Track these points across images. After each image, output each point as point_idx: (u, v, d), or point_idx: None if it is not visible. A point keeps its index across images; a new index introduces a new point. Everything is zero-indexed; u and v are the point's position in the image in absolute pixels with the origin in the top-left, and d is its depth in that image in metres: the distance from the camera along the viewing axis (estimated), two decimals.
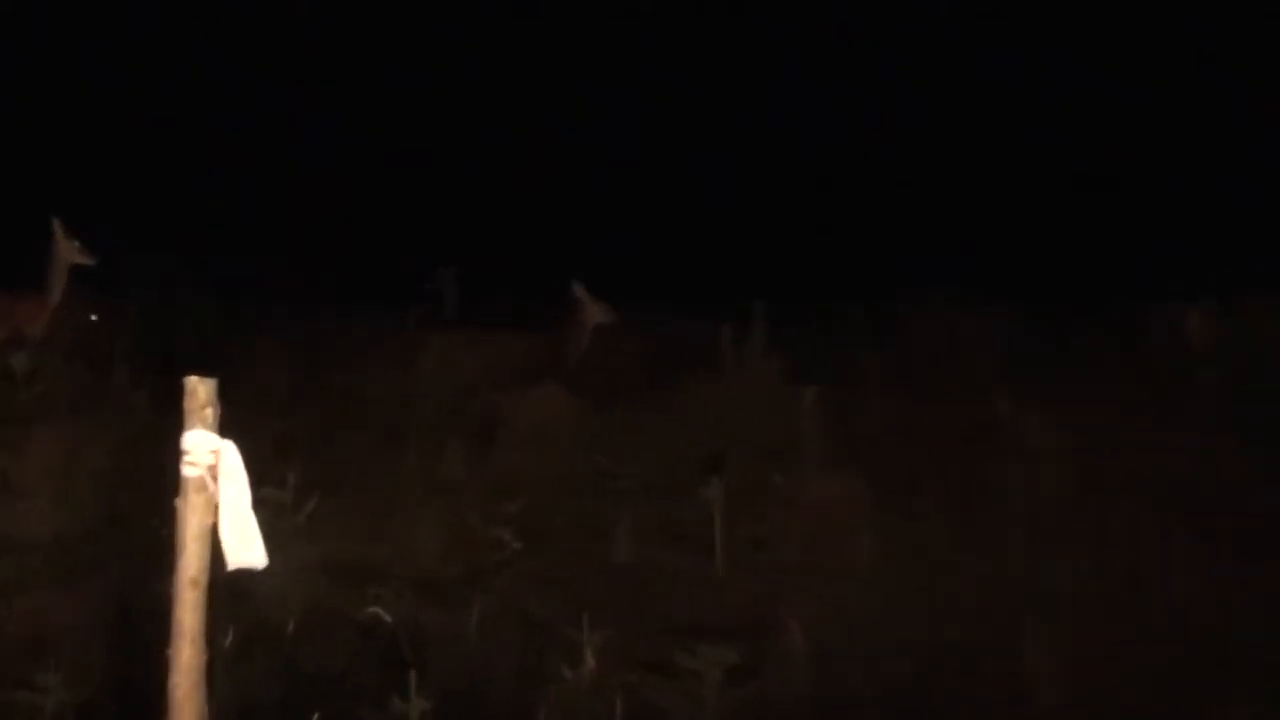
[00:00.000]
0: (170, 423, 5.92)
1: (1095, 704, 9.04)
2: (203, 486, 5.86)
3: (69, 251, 12.62)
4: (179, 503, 5.86)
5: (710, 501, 10.64)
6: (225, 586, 6.05)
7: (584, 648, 9.02)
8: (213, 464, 5.84)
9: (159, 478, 6.19)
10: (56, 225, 12.55)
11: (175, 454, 5.84)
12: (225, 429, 5.89)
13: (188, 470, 5.84)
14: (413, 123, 17.87)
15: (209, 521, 5.90)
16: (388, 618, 9.43)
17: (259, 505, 5.98)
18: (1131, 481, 11.15)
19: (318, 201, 16.46)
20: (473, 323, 13.73)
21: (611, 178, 17.15)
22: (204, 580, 5.90)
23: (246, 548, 5.95)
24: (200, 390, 5.84)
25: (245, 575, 6.04)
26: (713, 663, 8.92)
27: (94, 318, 13.38)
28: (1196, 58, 16.77)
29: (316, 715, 8.39)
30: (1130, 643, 9.55)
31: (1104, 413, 11.85)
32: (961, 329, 13.66)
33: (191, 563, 5.88)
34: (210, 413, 5.84)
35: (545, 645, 9.37)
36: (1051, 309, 13.83)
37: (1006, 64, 16.97)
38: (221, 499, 5.91)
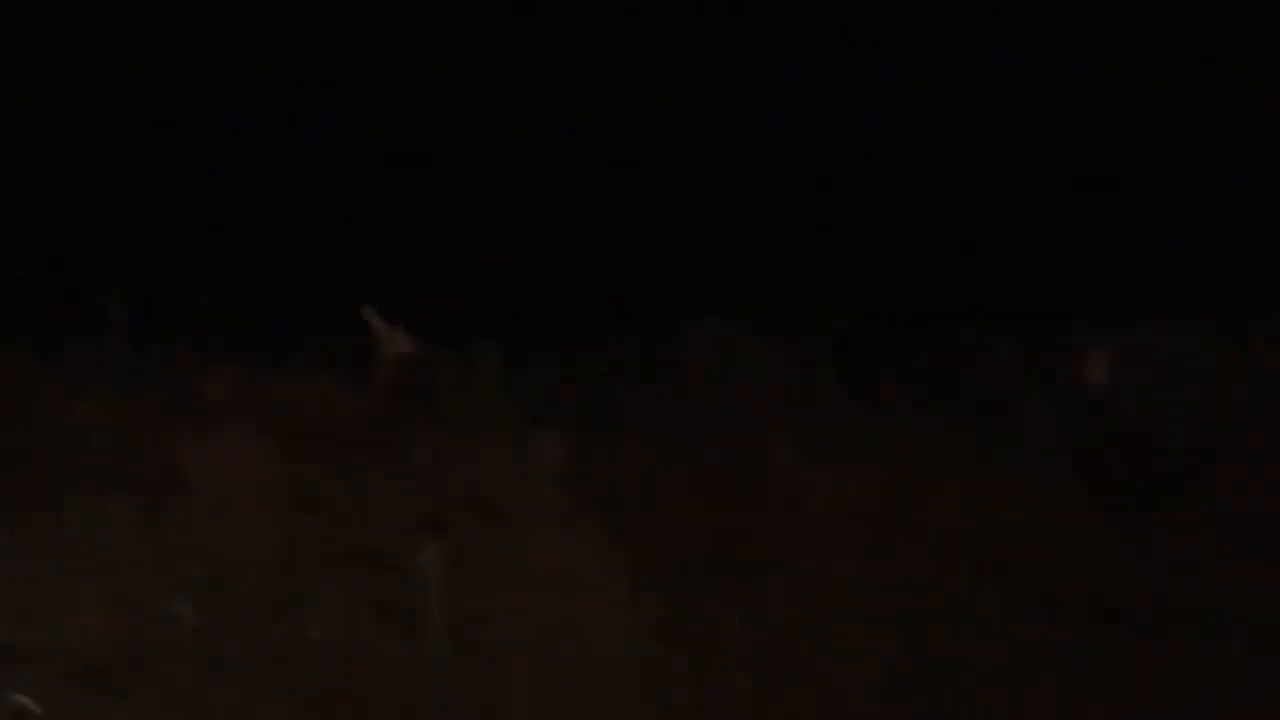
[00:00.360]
0: None
1: None
2: None
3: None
4: None
5: (427, 570, 9.88)
6: None
7: None
8: None
9: None
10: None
11: None
12: None
13: None
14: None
15: None
16: (36, 709, 8.73)
17: None
18: (940, 540, 10.68)
19: None
20: (149, 357, 13.17)
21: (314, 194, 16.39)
22: None
23: None
24: None
25: None
26: None
27: None
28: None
29: None
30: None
31: (907, 460, 11.51)
32: (736, 363, 13.20)
33: None
34: None
35: None
36: (845, 339, 13.53)
37: (755, 80, 16.85)
38: None
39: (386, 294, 14.37)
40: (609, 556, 10.01)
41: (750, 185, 16.45)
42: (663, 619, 9.77)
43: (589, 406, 12.32)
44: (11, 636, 9.43)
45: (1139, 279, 14.72)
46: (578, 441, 11.48)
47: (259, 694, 8.85)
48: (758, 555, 10.37)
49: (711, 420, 12.16)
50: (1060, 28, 17.12)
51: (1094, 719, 8.90)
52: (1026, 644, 9.58)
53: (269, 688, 8.94)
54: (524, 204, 16.35)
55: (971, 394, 12.65)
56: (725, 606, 9.95)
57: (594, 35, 17.60)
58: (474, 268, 15.22)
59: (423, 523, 10.52)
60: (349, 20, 17.44)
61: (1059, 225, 16.09)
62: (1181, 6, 16.55)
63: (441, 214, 16.32)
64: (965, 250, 15.47)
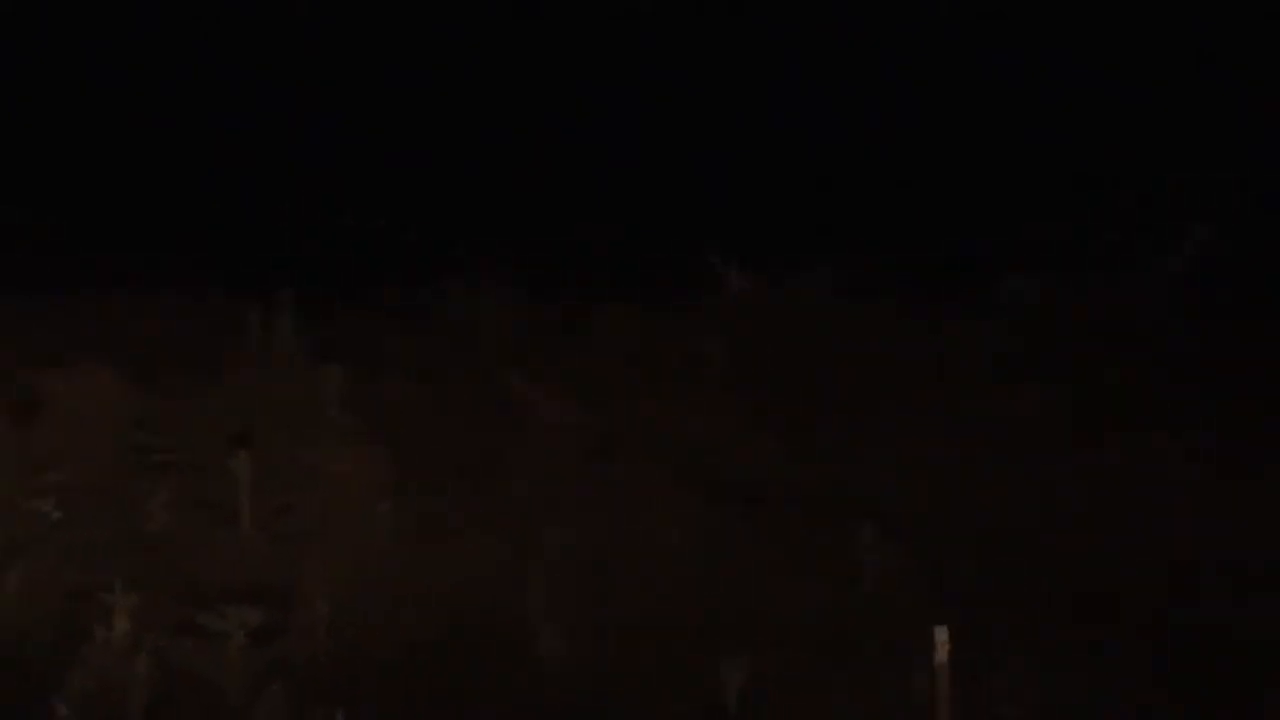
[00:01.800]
0: None
1: (598, 660, 9.92)
2: None
3: None
4: None
5: (238, 473, 11.27)
6: None
7: (116, 612, 9.49)
8: None
9: None
10: None
11: None
12: None
13: None
14: None
15: None
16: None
17: None
18: (639, 450, 12.27)
19: None
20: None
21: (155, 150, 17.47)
22: None
23: None
24: None
25: None
26: (238, 624, 9.54)
27: None
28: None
29: None
30: (635, 599, 10.56)
31: (614, 387, 13.01)
32: (480, 312, 14.60)
33: None
34: None
35: (80, 611, 9.81)
36: (560, 292, 14.86)
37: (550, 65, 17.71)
38: None
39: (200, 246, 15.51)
40: (380, 465, 11.64)
41: (504, 159, 17.48)
42: (421, 512, 11.48)
43: (366, 345, 13.76)
44: None
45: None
46: (356, 374, 12.93)
47: (111, 572, 9.95)
48: (496, 464, 12.12)
49: (462, 358, 13.77)
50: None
51: (741, 582, 10.60)
52: (703, 527, 11.42)
53: (117, 567, 10.14)
54: (317, 174, 17.42)
55: (667, 334, 14.36)
56: (470, 503, 11.70)
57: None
58: (279, 224, 16.48)
59: (234, 437, 11.85)
60: None
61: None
62: None
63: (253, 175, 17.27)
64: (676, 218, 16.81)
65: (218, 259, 15.41)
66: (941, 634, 8.47)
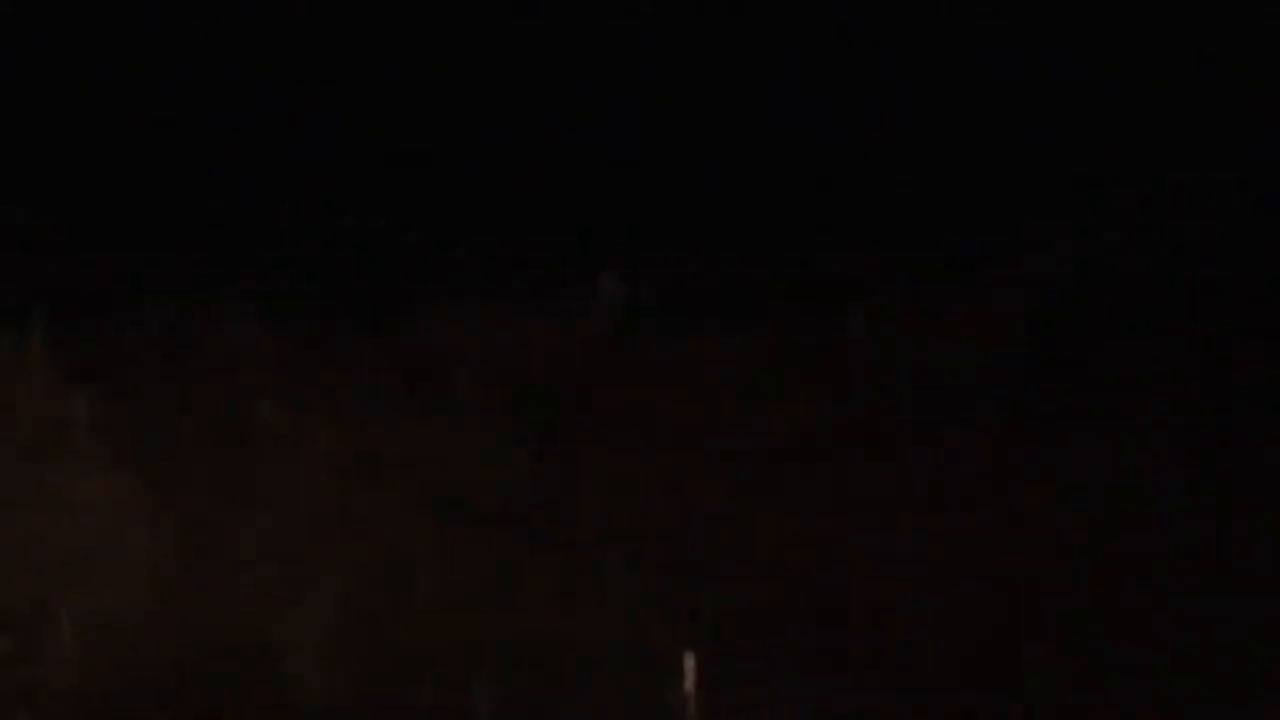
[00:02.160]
0: None
1: (353, 687, 10.21)
2: None
3: None
4: None
5: None
6: None
7: None
8: None
9: None
10: None
11: None
12: None
13: None
14: None
15: None
16: None
17: None
18: (394, 475, 12.45)
19: None
20: None
21: None
22: None
23: None
24: None
25: None
26: None
27: None
28: None
29: None
30: (389, 625, 10.84)
31: (370, 411, 13.17)
32: (236, 335, 14.51)
33: None
34: None
35: None
36: (316, 315, 14.77)
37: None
38: None
39: None
40: (136, 489, 11.67)
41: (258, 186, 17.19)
42: (177, 537, 11.51)
43: (122, 369, 13.65)
44: None
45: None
46: (109, 397, 12.89)
47: None
48: (251, 490, 12.15)
49: (217, 383, 13.69)
50: None
51: (495, 607, 10.77)
52: (457, 552, 11.50)
53: None
54: (71, 195, 17.02)
55: (422, 358, 14.13)
56: (226, 529, 11.74)
57: None
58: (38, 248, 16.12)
59: None
60: None
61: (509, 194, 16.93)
62: None
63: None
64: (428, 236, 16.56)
65: None
66: (690, 661, 8.66)
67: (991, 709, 10.04)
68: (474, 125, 17.77)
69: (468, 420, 13.39)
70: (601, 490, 12.55)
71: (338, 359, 14.05)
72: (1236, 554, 12.23)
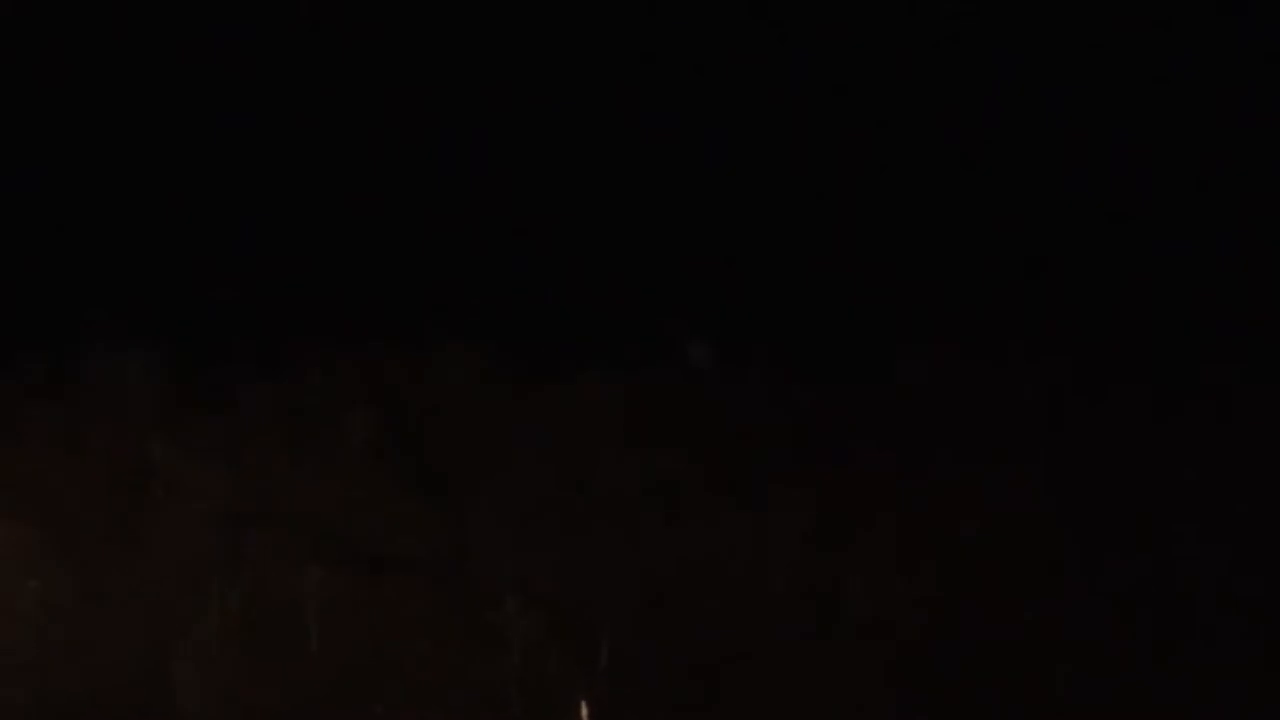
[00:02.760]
0: None
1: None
2: None
3: None
4: None
5: None
6: None
7: None
8: None
9: None
10: None
11: None
12: None
13: None
14: None
15: None
16: None
17: None
18: (274, 515, 12.51)
19: None
20: None
21: None
22: None
23: None
24: None
25: None
26: None
27: None
28: None
29: None
30: (274, 664, 10.77)
31: (256, 456, 12.84)
32: (123, 380, 14.26)
33: None
34: None
35: None
36: (203, 362, 14.57)
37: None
38: None
39: None
40: (27, 535, 11.48)
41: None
42: (74, 581, 11.42)
43: (5, 415, 13.45)
44: None
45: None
46: None
47: None
48: (142, 531, 12.12)
49: (105, 426, 13.52)
50: None
51: (385, 649, 10.79)
52: (346, 595, 11.48)
53: None
54: None
55: (309, 401, 14.01)
56: (113, 572, 11.74)
57: None
58: None
59: None
60: None
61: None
62: None
63: None
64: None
65: None
66: (584, 709, 8.80)
67: None
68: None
69: (361, 468, 13.42)
70: (493, 537, 12.57)
71: (227, 404, 14.05)
72: (1084, 602, 12.50)
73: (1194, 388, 17.26)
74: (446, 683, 10.32)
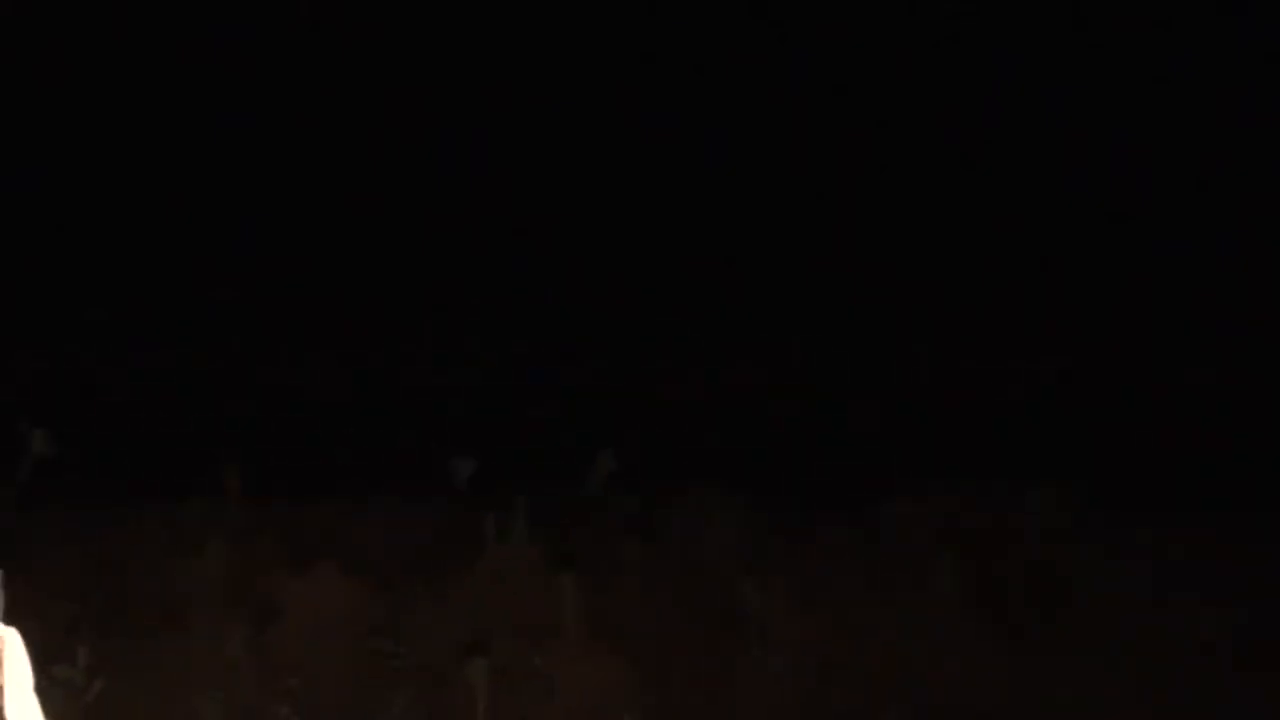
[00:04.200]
0: None
1: None
2: None
3: None
4: None
5: (474, 682, 11.51)
6: None
7: None
8: None
9: None
10: None
11: None
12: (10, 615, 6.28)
13: None
14: None
15: None
16: None
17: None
18: (869, 670, 12.37)
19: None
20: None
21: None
22: None
23: None
24: None
25: None
26: None
27: None
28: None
29: None
30: None
31: (844, 602, 13.04)
32: (712, 522, 14.41)
33: None
34: None
35: None
36: (792, 502, 14.73)
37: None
38: (6, 684, 6.35)
39: None
40: (617, 673, 11.93)
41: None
42: None
43: (600, 556, 13.75)
44: None
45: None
46: (592, 583, 13.02)
47: None
48: (729, 674, 12.08)
49: (694, 569, 13.80)
50: None
51: None
52: None
53: None
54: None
55: (897, 547, 13.97)
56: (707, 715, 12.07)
57: None
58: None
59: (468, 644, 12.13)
60: None
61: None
62: None
63: None
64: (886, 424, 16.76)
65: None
66: None
67: None
68: None
69: (951, 615, 13.57)
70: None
71: (812, 546, 14.17)
72: None
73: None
74: None
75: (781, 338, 18.34)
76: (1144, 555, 13.87)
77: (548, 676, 11.86)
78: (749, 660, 12.44)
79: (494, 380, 17.45)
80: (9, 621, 6.29)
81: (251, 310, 17.98)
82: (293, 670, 11.70)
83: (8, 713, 6.32)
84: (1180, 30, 19.43)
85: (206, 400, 16.71)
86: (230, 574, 12.87)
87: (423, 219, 19.13)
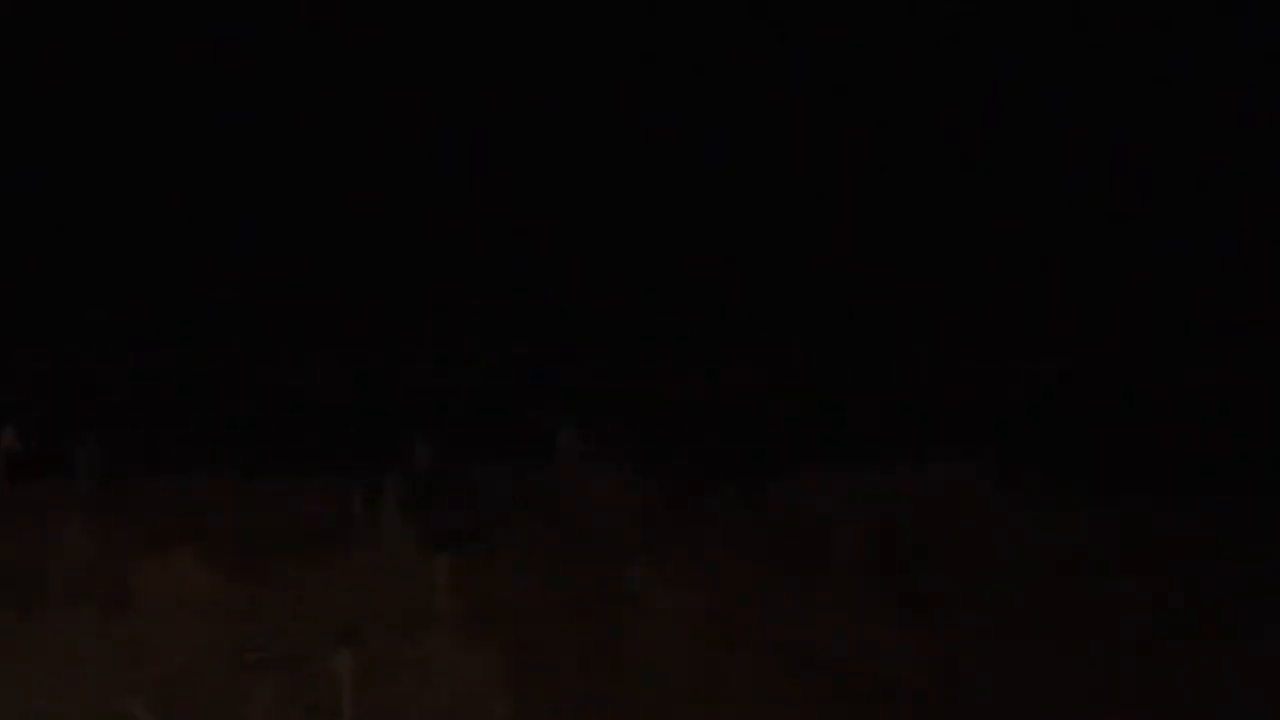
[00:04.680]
0: None
1: None
2: None
3: None
4: None
5: (340, 672, 10.83)
6: None
7: None
8: None
9: None
10: None
11: None
12: None
13: None
14: None
15: None
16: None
17: None
18: (761, 641, 11.91)
19: None
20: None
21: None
22: None
23: None
24: None
25: None
26: None
27: None
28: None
29: None
30: None
31: (734, 577, 12.68)
32: (598, 498, 14.08)
33: None
34: None
35: None
36: (684, 479, 14.40)
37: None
38: None
39: None
40: (494, 658, 11.28)
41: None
42: (539, 707, 10.86)
43: (477, 535, 13.18)
44: None
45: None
46: (468, 564, 12.46)
47: None
48: (616, 653, 12.05)
49: (577, 546, 13.31)
50: None
51: None
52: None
53: None
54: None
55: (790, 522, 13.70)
56: (590, 696, 11.65)
57: None
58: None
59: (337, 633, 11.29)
60: None
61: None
62: None
63: None
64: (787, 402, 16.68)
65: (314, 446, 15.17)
66: None
67: None
68: None
69: (843, 587, 13.03)
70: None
71: (701, 522, 13.91)
72: None
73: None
74: None
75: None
76: (1051, 530, 13.76)
77: (419, 664, 11.24)
78: (635, 640, 12.00)
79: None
80: None
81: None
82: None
83: None
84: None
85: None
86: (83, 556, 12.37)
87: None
